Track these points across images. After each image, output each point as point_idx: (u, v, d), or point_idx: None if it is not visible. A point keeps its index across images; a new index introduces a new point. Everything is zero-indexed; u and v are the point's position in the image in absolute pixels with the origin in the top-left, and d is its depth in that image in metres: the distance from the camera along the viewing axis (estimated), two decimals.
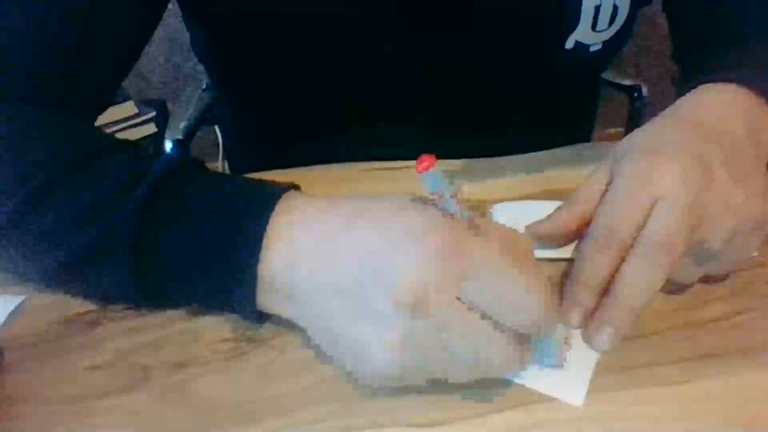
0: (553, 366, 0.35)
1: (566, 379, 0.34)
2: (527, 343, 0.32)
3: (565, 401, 0.33)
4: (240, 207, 0.35)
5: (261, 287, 0.34)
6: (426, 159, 0.30)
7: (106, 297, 0.39)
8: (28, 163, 0.38)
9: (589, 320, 0.35)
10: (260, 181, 0.38)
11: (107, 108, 0.53)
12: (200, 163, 0.39)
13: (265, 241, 0.34)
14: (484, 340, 0.30)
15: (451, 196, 0.31)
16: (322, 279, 0.32)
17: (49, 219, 0.36)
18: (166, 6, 0.52)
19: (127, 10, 0.48)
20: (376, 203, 0.34)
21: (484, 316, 0.30)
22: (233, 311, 0.37)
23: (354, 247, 0.32)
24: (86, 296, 0.40)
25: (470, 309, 0.30)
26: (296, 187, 0.37)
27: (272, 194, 0.35)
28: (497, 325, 0.31)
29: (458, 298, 0.30)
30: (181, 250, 0.35)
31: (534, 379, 0.34)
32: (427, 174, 0.30)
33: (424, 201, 0.33)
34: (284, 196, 0.35)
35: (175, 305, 0.39)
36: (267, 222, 0.34)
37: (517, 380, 0.34)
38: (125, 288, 0.36)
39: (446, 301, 0.30)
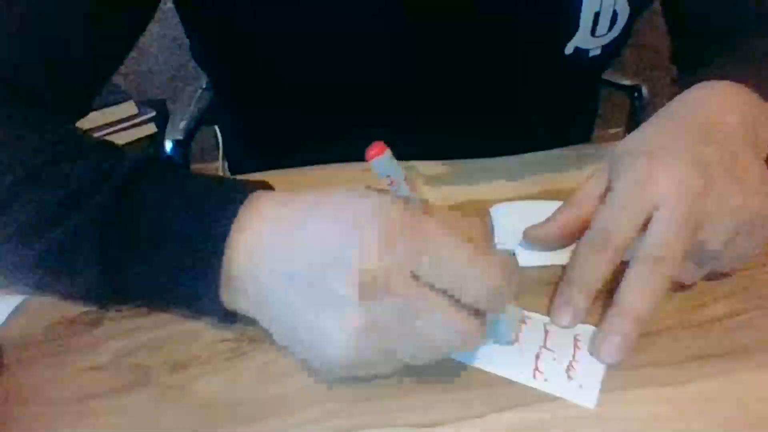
0: (507, 343, 0.36)
1: (578, 381, 0.34)
2: (483, 319, 0.32)
3: (571, 401, 0.33)
4: (206, 206, 0.35)
5: (224, 282, 0.34)
6: (376, 146, 0.31)
7: (78, 296, 0.39)
8: (1, 162, 0.38)
9: (596, 334, 0.36)
10: (228, 179, 0.38)
11: (89, 109, 0.53)
12: (169, 163, 0.39)
13: (228, 239, 0.34)
14: (442, 315, 0.31)
15: (403, 181, 0.32)
16: (279, 271, 0.33)
17: (22, 216, 0.37)
18: (154, 10, 0.52)
19: (113, 13, 0.48)
20: (330, 194, 0.34)
21: (440, 293, 0.31)
22: (198, 310, 0.37)
23: (310, 237, 0.32)
24: (63, 296, 0.40)
25: (427, 286, 0.31)
26: (266, 185, 0.37)
27: (238, 193, 0.35)
28: (454, 301, 0.31)
29: (415, 277, 0.31)
30: (148, 245, 0.35)
31: (546, 381, 0.34)
32: (377, 160, 0.31)
33: (380, 191, 0.33)
34: (249, 196, 0.35)
35: (143, 301, 0.39)
36: (231, 221, 0.34)
37: (527, 383, 0.34)
38: (94, 285, 0.36)
39: (403, 280, 0.30)
